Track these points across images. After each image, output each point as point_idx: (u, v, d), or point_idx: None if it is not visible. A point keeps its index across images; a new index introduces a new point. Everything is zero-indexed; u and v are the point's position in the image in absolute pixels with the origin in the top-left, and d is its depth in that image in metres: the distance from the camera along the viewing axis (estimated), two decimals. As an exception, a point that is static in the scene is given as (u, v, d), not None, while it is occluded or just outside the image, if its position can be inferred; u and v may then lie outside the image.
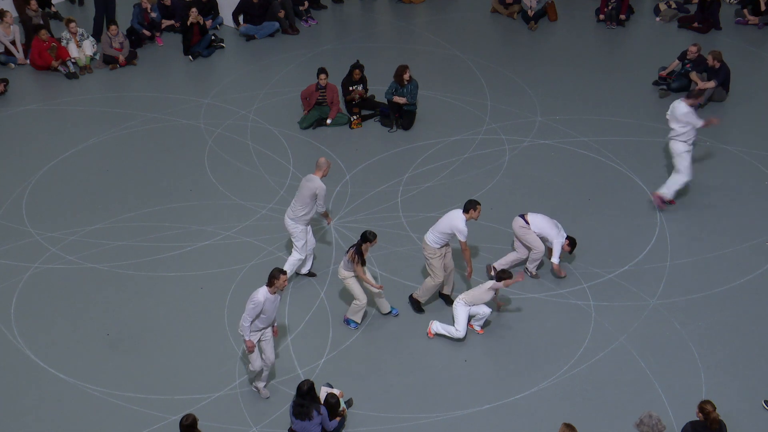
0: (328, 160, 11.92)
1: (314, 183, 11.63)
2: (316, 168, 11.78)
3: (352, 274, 11.29)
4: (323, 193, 11.66)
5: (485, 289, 11.12)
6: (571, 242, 12.17)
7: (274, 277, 9.96)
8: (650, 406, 10.44)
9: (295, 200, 11.80)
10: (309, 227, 12.01)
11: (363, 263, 11.17)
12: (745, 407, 10.45)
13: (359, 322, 11.64)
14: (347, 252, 11.22)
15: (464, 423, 10.40)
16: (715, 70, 15.91)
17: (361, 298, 11.42)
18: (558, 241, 12.00)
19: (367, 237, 11.09)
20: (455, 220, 11.24)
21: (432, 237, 11.40)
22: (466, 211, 11.25)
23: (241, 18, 18.97)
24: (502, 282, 11.05)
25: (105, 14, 18.34)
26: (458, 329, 11.22)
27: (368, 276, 11.30)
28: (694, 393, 10.61)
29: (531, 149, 14.98)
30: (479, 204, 11.31)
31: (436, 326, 11.42)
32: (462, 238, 11.25)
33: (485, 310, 11.32)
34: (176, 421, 10.15)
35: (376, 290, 11.45)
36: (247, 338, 10.10)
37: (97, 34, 18.19)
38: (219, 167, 14.72)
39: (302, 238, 11.92)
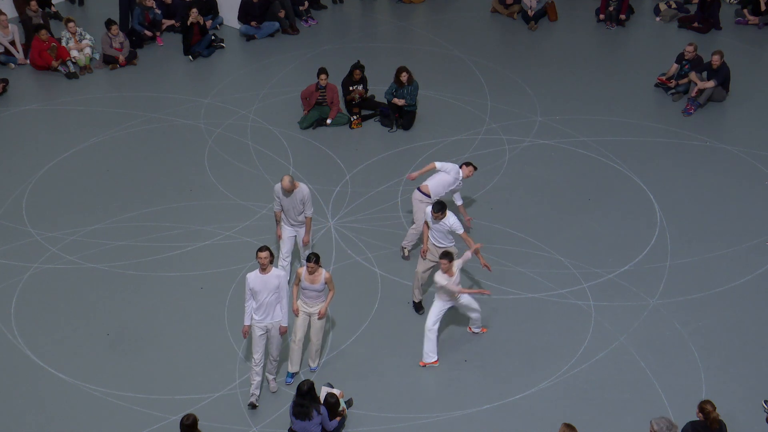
0: (288, 177, 11.43)
1: (302, 189, 11.53)
2: (284, 188, 11.43)
3: None
4: (309, 195, 11.65)
5: (444, 284, 10.56)
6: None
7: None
8: (650, 406, 10.45)
9: (289, 213, 11.65)
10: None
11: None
12: (745, 407, 10.45)
13: None
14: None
15: (464, 423, 10.40)
16: (715, 69, 15.91)
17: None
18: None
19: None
20: (449, 219, 11.31)
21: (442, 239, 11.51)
22: (436, 211, 11.23)
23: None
24: (444, 264, 10.47)
25: (128, 9, 18.47)
26: (429, 327, 10.91)
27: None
28: (694, 393, 10.62)
29: (531, 149, 14.97)
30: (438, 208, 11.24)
31: (426, 355, 11.09)
32: (460, 231, 11.36)
33: (474, 306, 11.08)
34: (176, 421, 10.15)
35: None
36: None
37: (123, 28, 18.18)
38: (219, 167, 14.71)
39: None
